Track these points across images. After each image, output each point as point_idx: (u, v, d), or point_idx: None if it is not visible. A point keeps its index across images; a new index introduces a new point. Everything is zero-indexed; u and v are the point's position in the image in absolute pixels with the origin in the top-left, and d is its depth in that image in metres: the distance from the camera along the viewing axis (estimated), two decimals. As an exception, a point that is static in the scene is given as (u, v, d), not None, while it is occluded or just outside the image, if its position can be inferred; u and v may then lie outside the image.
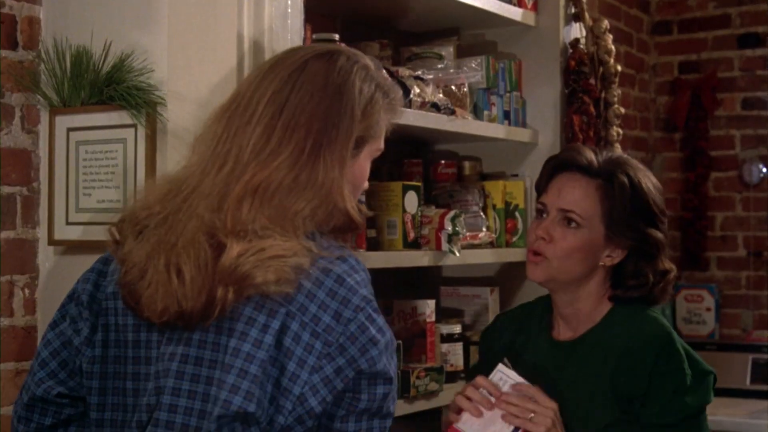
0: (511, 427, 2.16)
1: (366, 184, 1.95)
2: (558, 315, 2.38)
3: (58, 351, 1.90)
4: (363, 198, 2.73)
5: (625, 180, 2.29)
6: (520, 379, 2.22)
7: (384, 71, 1.99)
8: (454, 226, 2.93)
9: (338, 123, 1.81)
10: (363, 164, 1.90)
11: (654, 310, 2.36)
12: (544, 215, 2.33)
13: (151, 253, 1.77)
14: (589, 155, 2.33)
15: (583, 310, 2.34)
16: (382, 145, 1.94)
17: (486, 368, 2.38)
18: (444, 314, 3.27)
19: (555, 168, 2.37)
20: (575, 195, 2.30)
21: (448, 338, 3.08)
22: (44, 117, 2.50)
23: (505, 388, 2.21)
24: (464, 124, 3.07)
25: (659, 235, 2.32)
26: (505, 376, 2.23)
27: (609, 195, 2.29)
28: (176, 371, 1.75)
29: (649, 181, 2.33)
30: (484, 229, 3.17)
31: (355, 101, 1.83)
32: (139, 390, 1.81)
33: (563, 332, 2.37)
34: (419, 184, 2.99)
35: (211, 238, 1.73)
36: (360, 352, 1.72)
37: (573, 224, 2.28)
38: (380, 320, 1.75)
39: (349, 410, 1.72)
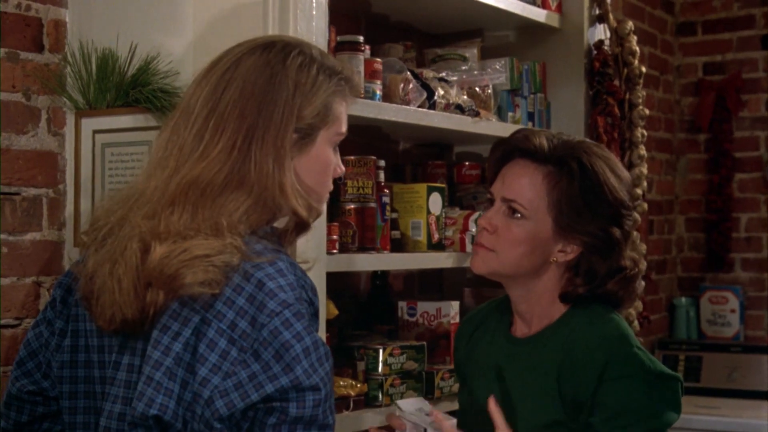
0: None
1: (339, 171, 1.92)
2: (515, 311, 2.22)
3: (36, 352, 1.93)
4: (387, 200, 2.74)
5: (576, 167, 2.08)
6: (425, 409, 2.04)
7: (331, 56, 1.93)
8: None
9: (270, 115, 1.79)
10: (322, 151, 1.86)
11: (615, 312, 2.15)
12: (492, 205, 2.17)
13: (101, 262, 1.79)
14: (540, 140, 2.12)
15: (538, 307, 2.16)
16: (343, 128, 1.90)
17: (458, 369, 2.37)
18: (468, 316, 3.26)
19: (503, 154, 2.18)
20: (520, 183, 2.11)
21: (472, 340, 3.07)
22: (70, 119, 2.51)
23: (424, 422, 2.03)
24: (488, 125, 3.07)
25: (617, 232, 2.10)
26: (412, 416, 2.03)
27: (558, 184, 2.09)
28: (122, 380, 1.78)
29: (608, 169, 2.11)
30: (508, 230, 3.16)
31: (289, 90, 1.80)
32: (106, 394, 1.82)
33: (520, 329, 2.20)
34: (443, 185, 2.99)
35: (142, 244, 1.73)
36: (274, 358, 1.65)
37: (517, 215, 2.10)
38: (300, 325, 1.67)
39: (281, 419, 1.64)
